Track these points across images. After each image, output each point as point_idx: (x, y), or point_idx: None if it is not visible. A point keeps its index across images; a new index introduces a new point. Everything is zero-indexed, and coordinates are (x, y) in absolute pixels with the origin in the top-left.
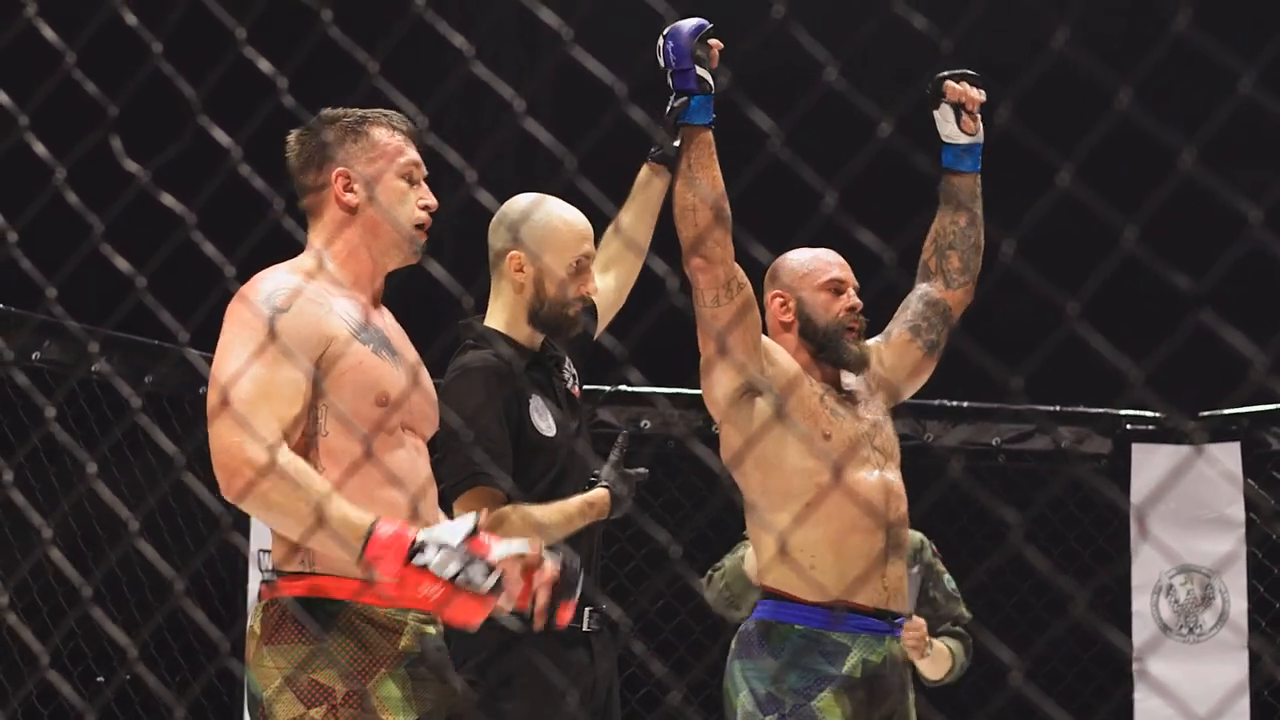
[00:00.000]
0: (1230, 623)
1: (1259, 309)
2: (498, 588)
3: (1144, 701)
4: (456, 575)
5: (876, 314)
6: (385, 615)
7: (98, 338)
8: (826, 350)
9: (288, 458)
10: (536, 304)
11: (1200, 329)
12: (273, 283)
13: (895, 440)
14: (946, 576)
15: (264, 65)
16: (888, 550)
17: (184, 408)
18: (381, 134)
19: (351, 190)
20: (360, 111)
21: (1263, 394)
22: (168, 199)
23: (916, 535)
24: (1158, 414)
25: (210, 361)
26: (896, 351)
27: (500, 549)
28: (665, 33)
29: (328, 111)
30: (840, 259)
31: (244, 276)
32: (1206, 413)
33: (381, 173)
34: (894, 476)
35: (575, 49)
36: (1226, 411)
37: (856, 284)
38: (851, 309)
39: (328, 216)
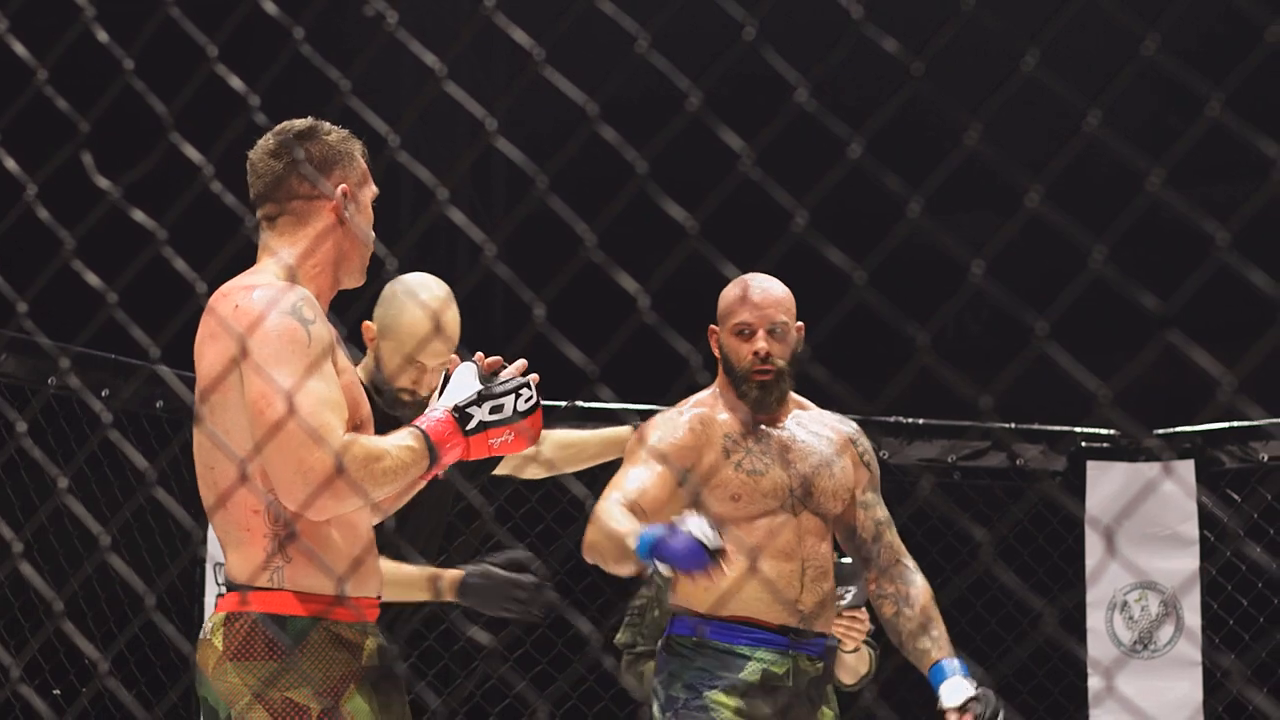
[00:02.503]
0: (1185, 639)
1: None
2: (534, 395)
3: (1100, 718)
4: (511, 412)
5: (845, 337)
6: (351, 630)
7: (67, 355)
8: (740, 393)
9: (352, 451)
10: (377, 375)
11: (1158, 349)
12: (293, 295)
13: (833, 490)
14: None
15: (236, 82)
16: (803, 578)
17: (141, 422)
18: (361, 157)
19: (348, 209)
20: (342, 130)
21: (1217, 412)
22: (139, 215)
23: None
24: (1113, 431)
25: (178, 377)
26: (845, 495)
27: (503, 379)
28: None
29: (309, 123)
30: (761, 295)
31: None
32: (1161, 431)
33: (364, 195)
34: (811, 519)
35: (547, 69)
36: (1182, 429)
37: (778, 320)
38: (756, 354)
39: (311, 228)
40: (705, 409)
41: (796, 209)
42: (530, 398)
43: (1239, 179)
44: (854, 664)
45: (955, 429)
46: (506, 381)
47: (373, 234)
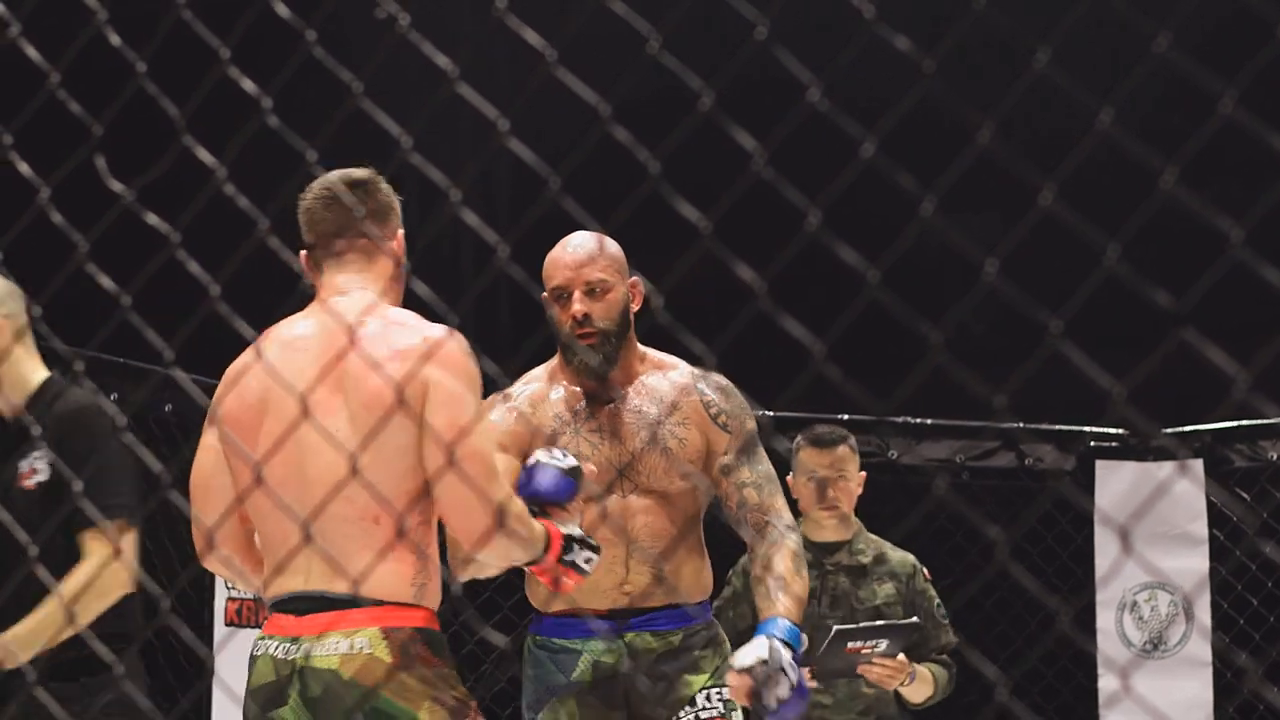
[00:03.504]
0: (1195, 639)
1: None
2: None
3: (1110, 717)
4: (583, 564)
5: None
6: None
7: (81, 358)
8: (566, 359)
9: (516, 503)
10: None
11: (1171, 346)
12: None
13: (666, 467)
14: (937, 602)
15: (248, 85)
16: (628, 561)
17: (150, 425)
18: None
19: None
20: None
21: (1227, 410)
22: (152, 218)
23: (909, 559)
24: (1122, 431)
25: (192, 380)
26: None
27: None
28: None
29: (368, 173)
30: (573, 254)
31: (229, 296)
32: (1171, 430)
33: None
34: (641, 499)
35: (560, 70)
36: (1191, 428)
37: (593, 279)
38: (574, 317)
39: (381, 268)
40: (539, 385)
41: (810, 209)
42: (590, 560)
43: (1252, 176)
44: (909, 694)
45: (964, 429)
46: (590, 539)
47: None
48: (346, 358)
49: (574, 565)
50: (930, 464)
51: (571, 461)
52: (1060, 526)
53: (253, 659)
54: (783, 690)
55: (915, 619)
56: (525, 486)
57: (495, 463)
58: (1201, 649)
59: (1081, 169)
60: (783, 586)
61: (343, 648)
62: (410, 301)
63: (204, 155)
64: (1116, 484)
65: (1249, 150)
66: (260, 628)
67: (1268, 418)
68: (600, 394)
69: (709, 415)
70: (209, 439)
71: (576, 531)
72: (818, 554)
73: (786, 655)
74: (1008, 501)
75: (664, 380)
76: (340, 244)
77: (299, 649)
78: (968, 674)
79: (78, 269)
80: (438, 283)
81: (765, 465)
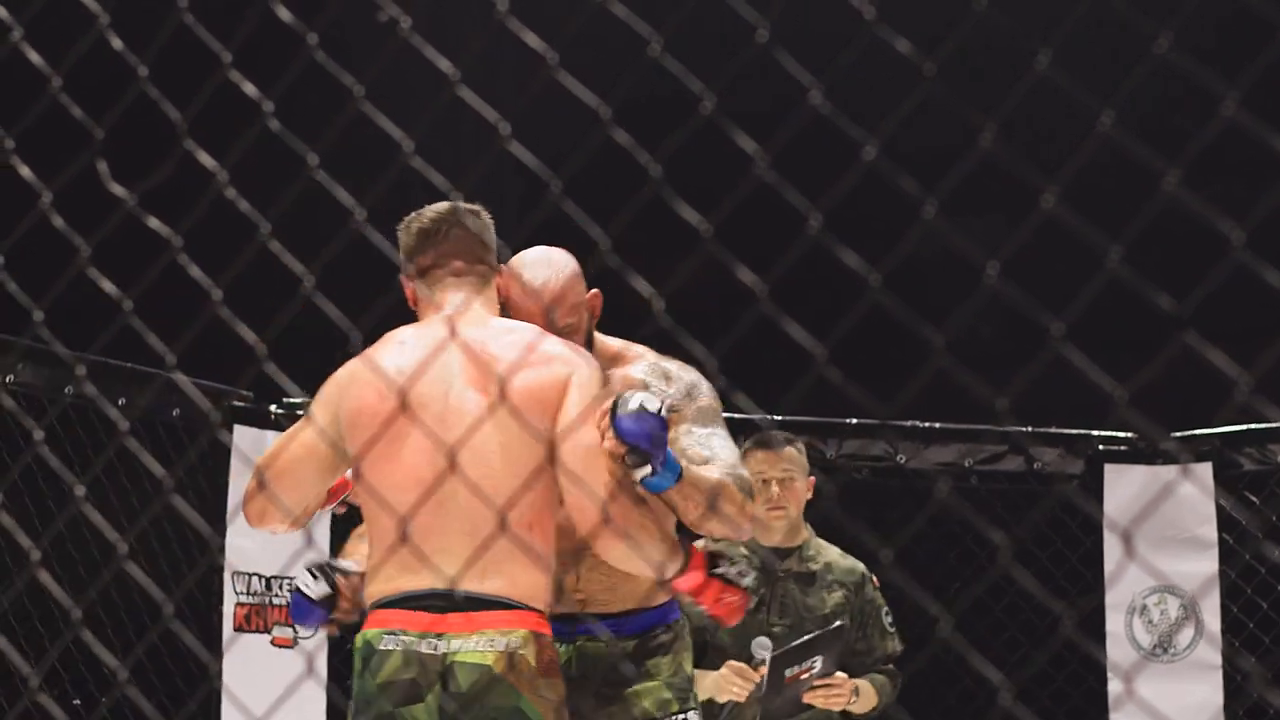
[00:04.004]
0: (1205, 643)
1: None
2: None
3: None
4: (735, 577)
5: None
6: None
7: (83, 362)
8: None
9: None
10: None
11: (1175, 349)
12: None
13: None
14: (884, 610)
15: (250, 89)
16: (579, 567)
17: (157, 429)
18: None
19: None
20: None
21: (1235, 414)
22: (154, 222)
23: (859, 567)
24: (1130, 434)
25: (194, 384)
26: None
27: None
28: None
29: (477, 207)
30: (548, 292)
31: (231, 301)
32: (1179, 433)
33: None
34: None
35: (560, 72)
36: (1199, 432)
37: (567, 324)
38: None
39: (490, 294)
40: None
41: (811, 211)
42: (744, 574)
43: (1253, 177)
44: (855, 709)
45: (972, 433)
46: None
47: None
48: (497, 364)
49: (728, 580)
50: (938, 468)
51: (657, 403)
52: (1069, 530)
53: (379, 652)
54: (631, 404)
55: (840, 623)
56: (621, 428)
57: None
58: (1211, 652)
59: (1083, 171)
60: (704, 467)
61: (498, 644)
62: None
63: (206, 159)
64: (1125, 488)
65: (1251, 151)
66: (271, 634)
67: (1273, 421)
68: None
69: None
70: (309, 432)
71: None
72: (769, 560)
73: (652, 406)
74: (1016, 506)
75: (616, 373)
76: (461, 264)
77: (447, 644)
78: (974, 677)
79: (79, 273)
80: None
81: (718, 440)
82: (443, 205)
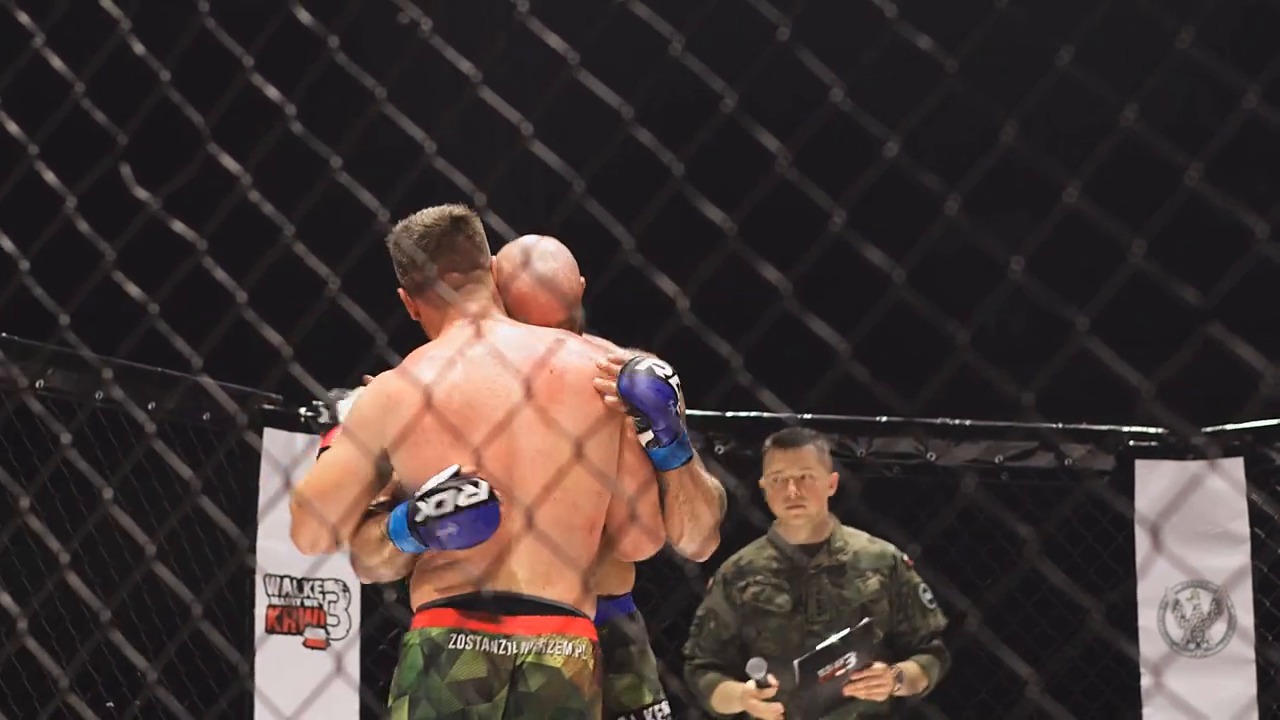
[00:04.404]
0: (1237, 637)
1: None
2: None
3: (1153, 716)
4: None
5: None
6: None
7: (110, 366)
8: None
9: None
10: None
11: (1205, 343)
12: None
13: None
14: (922, 587)
15: (272, 92)
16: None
17: (188, 434)
18: None
19: None
20: None
21: (1267, 408)
22: (178, 226)
23: (889, 549)
24: (1161, 430)
25: (223, 387)
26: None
27: None
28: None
29: (465, 209)
30: (555, 285)
31: (256, 303)
32: (1210, 428)
33: None
34: None
35: (581, 72)
36: (1230, 427)
37: (561, 321)
38: None
39: (493, 293)
40: None
41: (834, 209)
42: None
43: (1276, 170)
44: (905, 692)
45: (1002, 430)
46: None
47: None
48: (559, 372)
49: None
50: (968, 465)
51: (667, 369)
52: (1101, 526)
53: (449, 651)
54: (640, 366)
55: (867, 620)
56: (623, 387)
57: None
58: (1243, 647)
59: (1106, 167)
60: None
61: (566, 649)
62: None
63: (229, 162)
64: (1156, 483)
65: (1273, 144)
66: (304, 635)
67: None
68: None
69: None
70: (349, 453)
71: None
72: (798, 558)
73: (662, 372)
74: (1047, 502)
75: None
76: (460, 276)
77: (516, 645)
78: (1007, 673)
79: (106, 278)
80: None
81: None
82: (432, 213)
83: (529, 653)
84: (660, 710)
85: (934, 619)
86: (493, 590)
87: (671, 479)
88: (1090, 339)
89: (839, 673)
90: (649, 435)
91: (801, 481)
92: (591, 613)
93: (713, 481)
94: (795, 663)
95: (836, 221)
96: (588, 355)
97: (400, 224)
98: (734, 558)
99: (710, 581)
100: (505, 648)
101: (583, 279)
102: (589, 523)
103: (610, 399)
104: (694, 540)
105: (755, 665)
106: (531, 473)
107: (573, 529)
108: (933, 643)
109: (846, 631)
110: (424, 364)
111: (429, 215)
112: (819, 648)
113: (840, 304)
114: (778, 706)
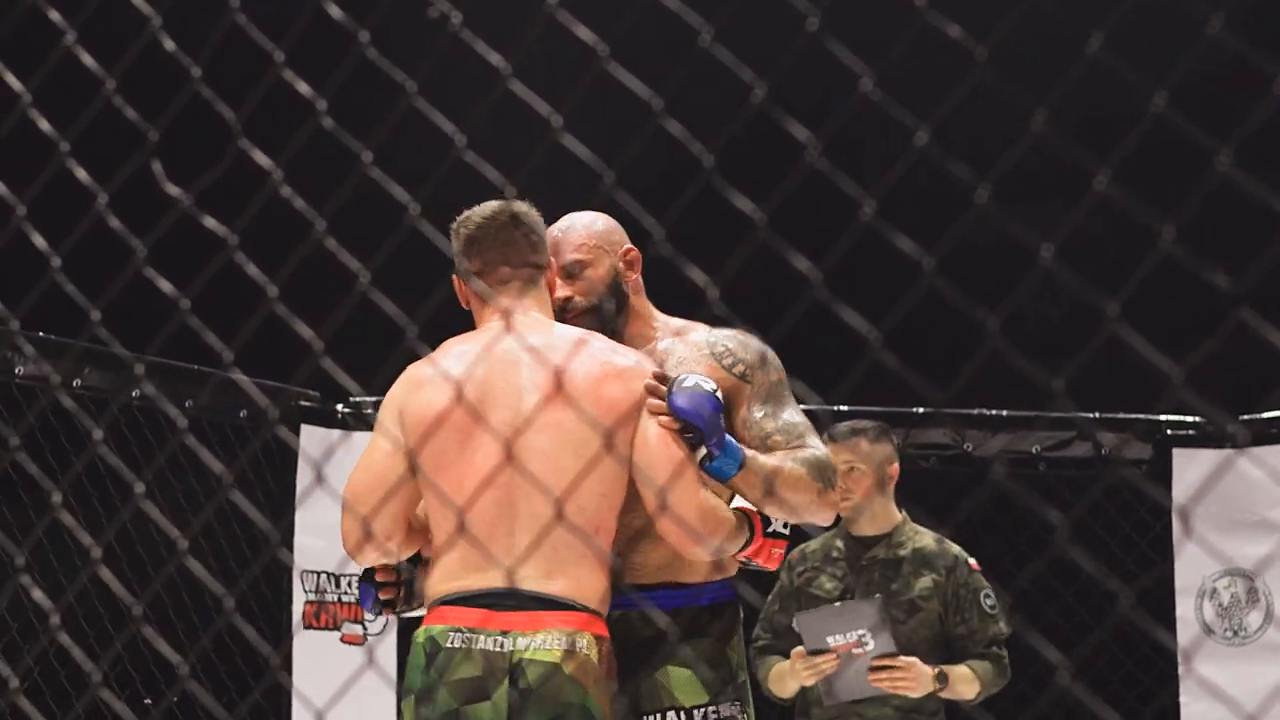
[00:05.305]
0: (1274, 626)
1: None
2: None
3: (1190, 705)
4: (782, 529)
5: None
6: None
7: (142, 362)
8: None
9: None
10: None
11: (1241, 331)
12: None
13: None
14: (985, 593)
15: (303, 87)
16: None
17: (225, 432)
18: None
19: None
20: None
21: None
22: (210, 221)
23: (953, 549)
24: (1198, 418)
25: (260, 385)
26: None
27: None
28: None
29: (526, 206)
30: (560, 236)
31: (287, 298)
32: (1247, 416)
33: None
34: None
35: (612, 64)
36: (1267, 415)
37: (569, 260)
38: (558, 304)
39: (543, 295)
40: None
41: (864, 198)
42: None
43: None
44: (952, 696)
45: (1038, 419)
46: None
47: None
48: (569, 373)
49: (777, 535)
50: (1005, 456)
51: (712, 384)
52: (1138, 515)
53: (445, 650)
54: (686, 383)
55: (877, 595)
56: (675, 404)
57: (695, 479)
58: None
59: (1136, 153)
60: (783, 458)
61: (564, 643)
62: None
63: (260, 158)
64: (1193, 472)
65: None
66: (340, 631)
67: None
68: None
69: (723, 366)
70: (383, 444)
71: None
72: (856, 549)
73: (708, 387)
74: (1084, 492)
75: (679, 344)
76: (509, 270)
77: (513, 641)
78: (1045, 663)
79: (139, 277)
80: None
81: (795, 415)
82: (491, 206)
83: (526, 649)
84: (717, 712)
85: (994, 626)
86: (491, 588)
87: (737, 485)
88: (1121, 325)
89: (855, 650)
90: (702, 451)
91: (849, 474)
92: (602, 608)
93: (790, 464)
94: (796, 614)
95: (866, 211)
96: (605, 359)
97: (464, 213)
98: (802, 545)
99: (780, 567)
100: (501, 644)
101: (630, 246)
102: (594, 524)
103: (663, 419)
104: (796, 514)
105: (796, 623)
106: (535, 471)
107: (574, 527)
108: (990, 649)
109: (851, 601)
110: (448, 358)
111: (488, 208)
112: (822, 607)
113: (872, 295)
114: (819, 666)
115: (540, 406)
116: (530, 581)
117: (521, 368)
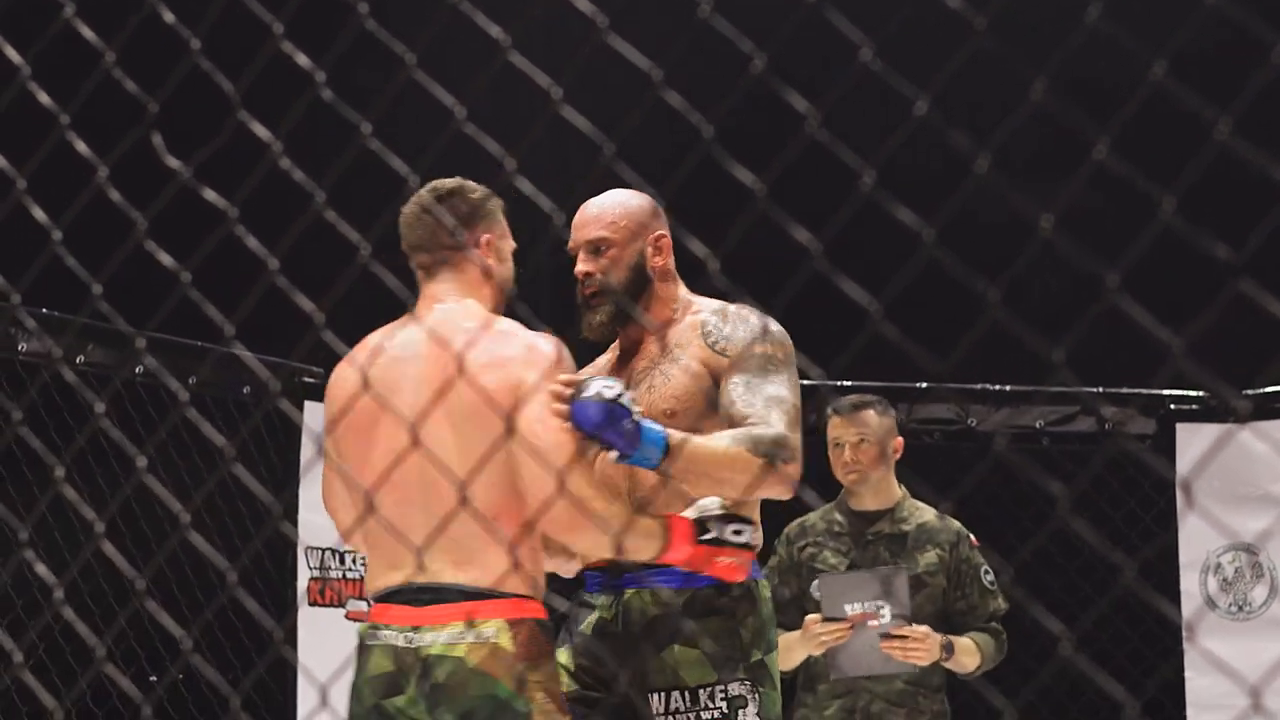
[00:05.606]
0: (1278, 600)
1: None
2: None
3: (1195, 680)
4: (732, 537)
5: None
6: None
7: (144, 338)
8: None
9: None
10: None
11: (1243, 306)
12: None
13: (660, 405)
14: (984, 569)
15: (302, 59)
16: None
17: (229, 407)
18: (500, 213)
19: (491, 258)
20: (485, 189)
21: None
22: (210, 194)
23: (954, 525)
24: (1201, 392)
25: (264, 361)
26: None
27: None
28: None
29: (456, 182)
30: (579, 216)
31: (287, 269)
32: (1251, 391)
33: (504, 247)
34: None
35: (611, 36)
36: (1271, 389)
37: (593, 237)
38: (578, 278)
39: (468, 276)
40: (607, 351)
41: (864, 168)
42: (741, 531)
43: None
44: (954, 667)
45: (1042, 394)
46: (736, 513)
47: (512, 282)
48: (453, 364)
49: (721, 542)
50: (1009, 430)
51: (615, 390)
52: (1143, 491)
53: (366, 648)
54: (585, 392)
55: (900, 564)
56: (573, 414)
57: (585, 465)
58: None
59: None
60: (704, 436)
61: (469, 637)
62: None
63: (259, 130)
64: (1197, 447)
65: None
66: (345, 608)
67: None
68: (630, 350)
69: (707, 344)
70: (328, 446)
71: (714, 508)
72: (859, 524)
73: (623, 397)
74: (1087, 466)
75: (681, 325)
76: (427, 256)
77: (423, 637)
78: (1048, 637)
79: (140, 253)
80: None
81: (772, 389)
82: (421, 192)
83: (433, 645)
84: (724, 692)
85: (994, 601)
86: (407, 582)
87: (667, 471)
88: (1121, 296)
89: (871, 621)
90: (613, 454)
91: (856, 447)
92: (524, 589)
93: (727, 443)
94: (816, 580)
95: (866, 181)
96: (491, 348)
97: None
98: (799, 519)
99: (776, 542)
100: (411, 641)
101: (662, 233)
102: (493, 511)
103: (566, 431)
104: (744, 492)
105: (815, 586)
106: (430, 465)
107: (479, 517)
108: (990, 624)
109: (876, 569)
110: (360, 351)
111: (415, 196)
112: (846, 573)
113: (873, 270)
114: (834, 633)
115: (429, 400)
116: (441, 574)
117: (414, 362)
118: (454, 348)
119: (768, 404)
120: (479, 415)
